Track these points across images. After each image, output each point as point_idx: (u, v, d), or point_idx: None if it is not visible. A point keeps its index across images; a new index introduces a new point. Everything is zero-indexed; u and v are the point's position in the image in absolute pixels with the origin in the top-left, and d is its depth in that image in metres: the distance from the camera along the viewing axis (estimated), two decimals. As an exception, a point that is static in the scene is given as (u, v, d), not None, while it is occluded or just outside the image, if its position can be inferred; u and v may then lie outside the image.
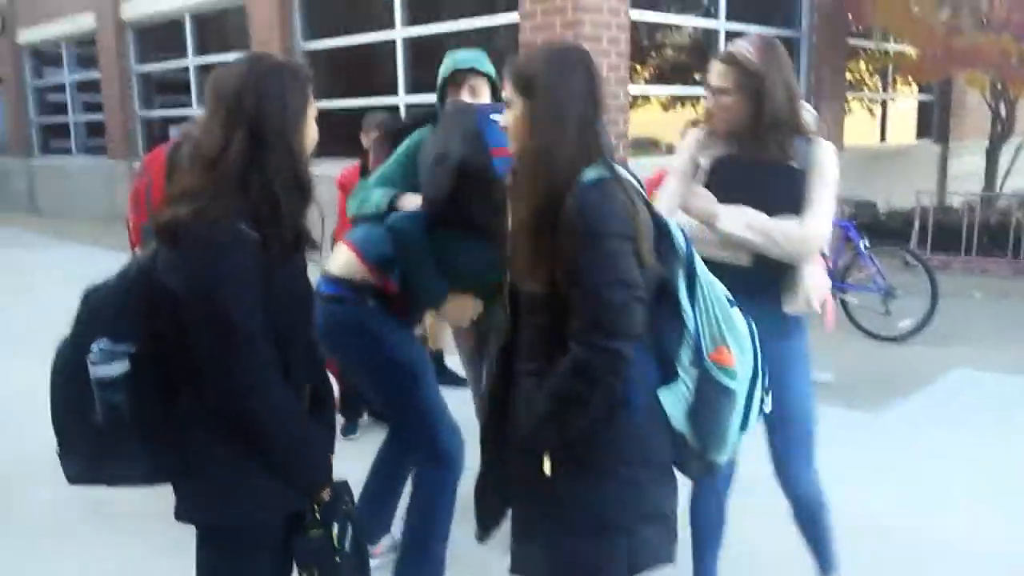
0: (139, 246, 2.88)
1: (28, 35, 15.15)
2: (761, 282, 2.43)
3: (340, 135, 5.65)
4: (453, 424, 2.74)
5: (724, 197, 2.43)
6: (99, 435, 1.72)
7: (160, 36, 12.45)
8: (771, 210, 2.39)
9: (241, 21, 10.29)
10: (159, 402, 1.72)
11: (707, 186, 2.49)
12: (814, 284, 2.45)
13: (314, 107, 1.86)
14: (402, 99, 9.12)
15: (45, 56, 15.49)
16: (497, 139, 2.34)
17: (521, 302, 1.90)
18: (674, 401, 1.83)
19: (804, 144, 2.43)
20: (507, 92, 1.88)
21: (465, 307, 2.76)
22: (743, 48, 2.42)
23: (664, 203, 2.54)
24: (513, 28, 7.47)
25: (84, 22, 13.39)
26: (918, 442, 4.22)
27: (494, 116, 2.37)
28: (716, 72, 2.45)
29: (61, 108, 15.36)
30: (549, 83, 1.80)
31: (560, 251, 1.74)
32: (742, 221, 2.39)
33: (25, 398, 4.23)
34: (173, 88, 12.74)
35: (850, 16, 9.29)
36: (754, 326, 1.97)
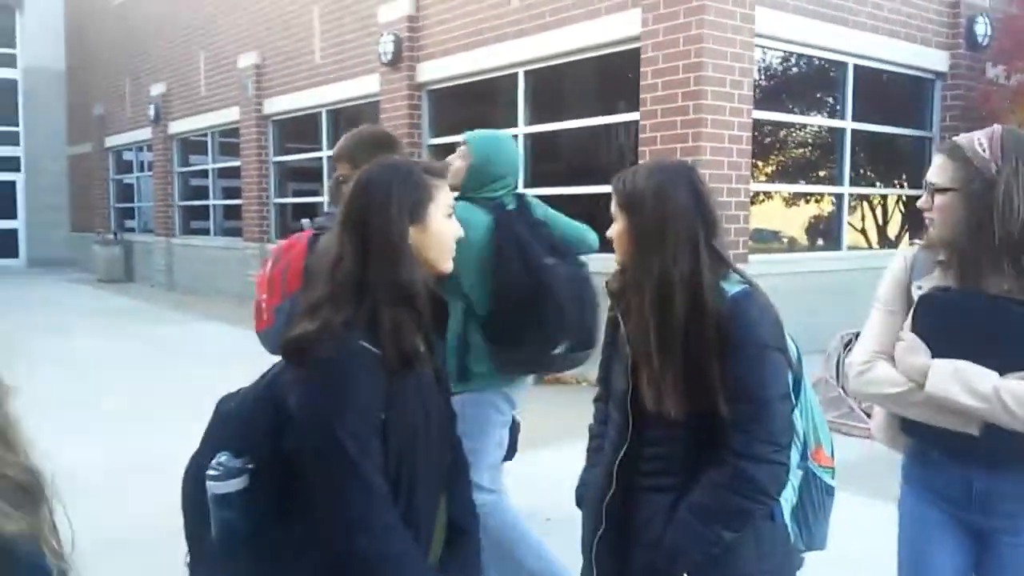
0: (269, 326, 2.95)
1: (178, 126, 16.41)
2: (998, 452, 1.84)
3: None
4: None
5: (939, 343, 1.83)
6: (215, 550, 1.64)
7: (297, 128, 13.22)
8: (1005, 363, 1.77)
9: (375, 116, 10.80)
10: (274, 523, 1.61)
11: (915, 327, 1.88)
12: None
13: (442, 204, 1.73)
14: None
15: (190, 144, 16.70)
16: None
17: (651, 416, 1.79)
18: (784, 502, 1.80)
19: None
20: (612, 207, 1.85)
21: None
22: (974, 139, 1.91)
23: (864, 344, 1.99)
24: (634, 125, 7.54)
25: (229, 115, 14.42)
26: None
27: None
28: (935, 166, 1.96)
29: (203, 192, 16.44)
30: (650, 201, 1.75)
31: (710, 367, 1.68)
32: (960, 382, 1.77)
33: (139, 472, 4.23)
34: (305, 175, 13.45)
35: (984, 114, 8.99)
36: None
